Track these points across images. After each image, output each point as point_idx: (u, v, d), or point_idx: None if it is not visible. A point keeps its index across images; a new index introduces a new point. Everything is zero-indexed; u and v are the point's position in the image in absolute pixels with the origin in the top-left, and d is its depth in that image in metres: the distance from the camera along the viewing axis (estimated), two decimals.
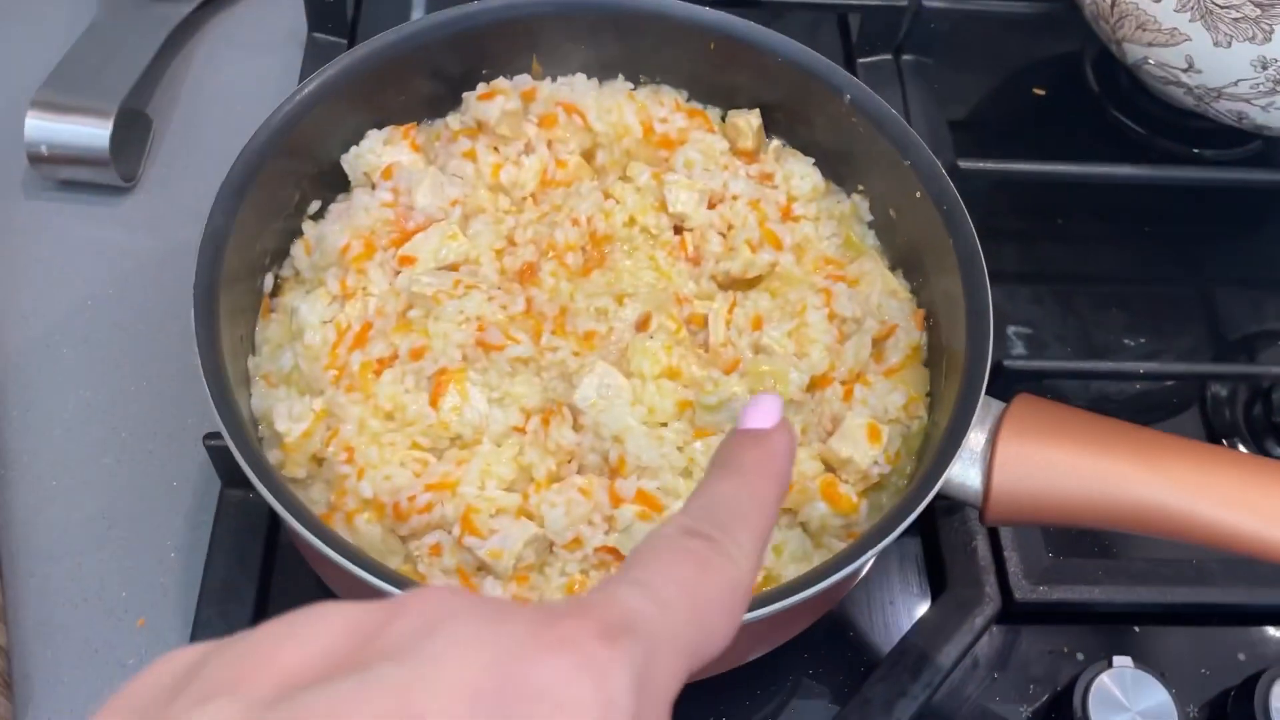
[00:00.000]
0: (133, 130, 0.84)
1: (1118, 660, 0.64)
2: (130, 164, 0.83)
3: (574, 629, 0.26)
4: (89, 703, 0.63)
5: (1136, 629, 0.70)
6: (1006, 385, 0.72)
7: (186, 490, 0.71)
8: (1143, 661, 0.64)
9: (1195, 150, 0.93)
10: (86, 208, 0.82)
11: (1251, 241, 0.94)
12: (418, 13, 0.93)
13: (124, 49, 0.84)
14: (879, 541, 0.51)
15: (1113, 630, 0.70)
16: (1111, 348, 0.85)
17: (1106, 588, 0.68)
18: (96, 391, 0.74)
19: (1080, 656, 0.69)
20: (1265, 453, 0.78)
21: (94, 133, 0.78)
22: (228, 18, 0.93)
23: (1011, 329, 0.86)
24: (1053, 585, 0.68)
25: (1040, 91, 0.97)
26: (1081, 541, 0.73)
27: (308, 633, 0.26)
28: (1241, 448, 0.78)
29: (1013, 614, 0.69)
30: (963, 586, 0.68)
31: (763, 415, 0.38)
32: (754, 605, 0.49)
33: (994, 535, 0.70)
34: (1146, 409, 0.84)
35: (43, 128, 0.78)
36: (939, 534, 0.70)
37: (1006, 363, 0.72)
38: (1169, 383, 0.83)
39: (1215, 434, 0.79)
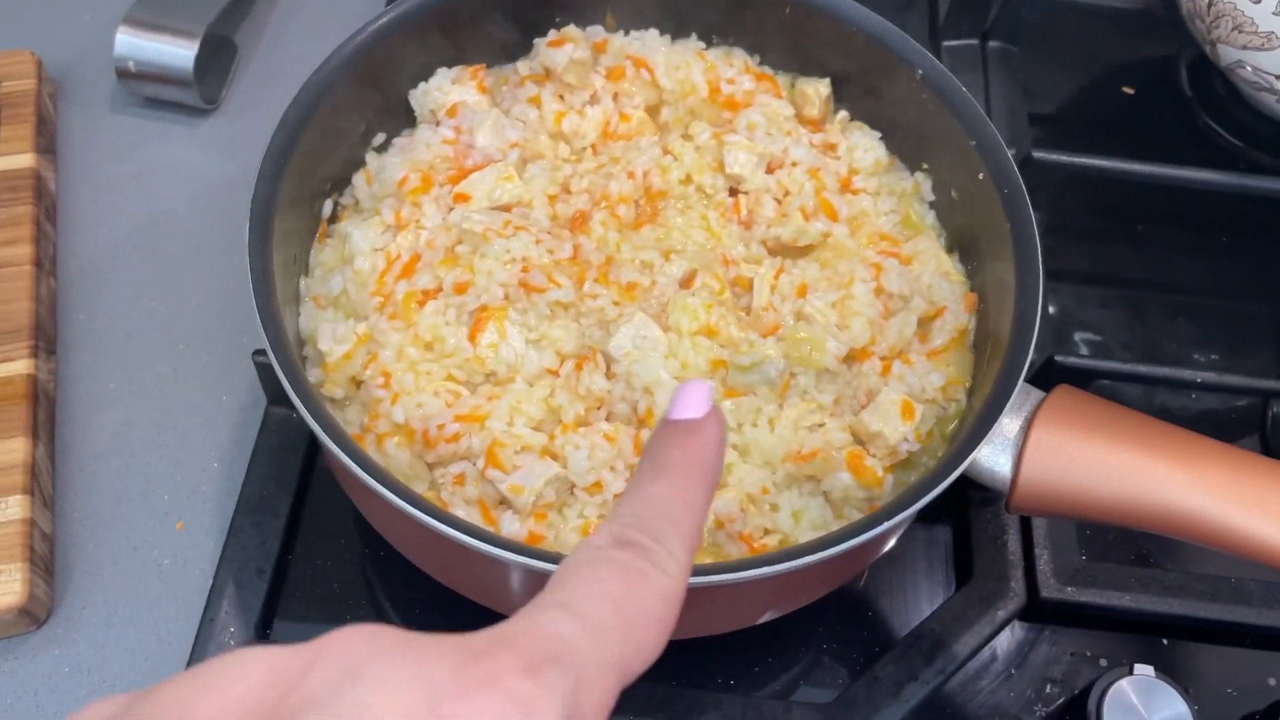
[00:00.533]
0: (218, 55, 0.86)
1: (1139, 668, 0.62)
2: (213, 87, 0.85)
3: (498, 666, 0.26)
4: (123, 597, 0.66)
5: (1165, 641, 0.68)
6: (1058, 383, 0.70)
7: (234, 405, 0.73)
8: (1168, 675, 0.63)
9: None
10: (168, 126, 0.85)
11: None
12: None
13: None
14: (896, 514, 0.50)
15: (1140, 640, 0.68)
16: (1180, 361, 0.83)
17: (1138, 595, 0.67)
18: (160, 303, 0.77)
19: (1103, 663, 0.67)
20: None
21: (180, 53, 0.81)
22: None
23: (1079, 334, 0.85)
24: (1081, 587, 0.67)
25: (1129, 91, 0.95)
26: (1117, 546, 0.72)
27: (226, 683, 0.26)
28: None
29: (1038, 612, 0.68)
30: (989, 579, 0.67)
31: (693, 404, 0.37)
32: (762, 563, 0.49)
33: (1026, 531, 0.69)
34: (1211, 426, 0.81)
35: (132, 44, 0.80)
36: (970, 524, 0.69)
37: (1058, 358, 0.70)
38: (1239, 401, 0.81)
39: (1274, 455, 0.77)
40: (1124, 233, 0.90)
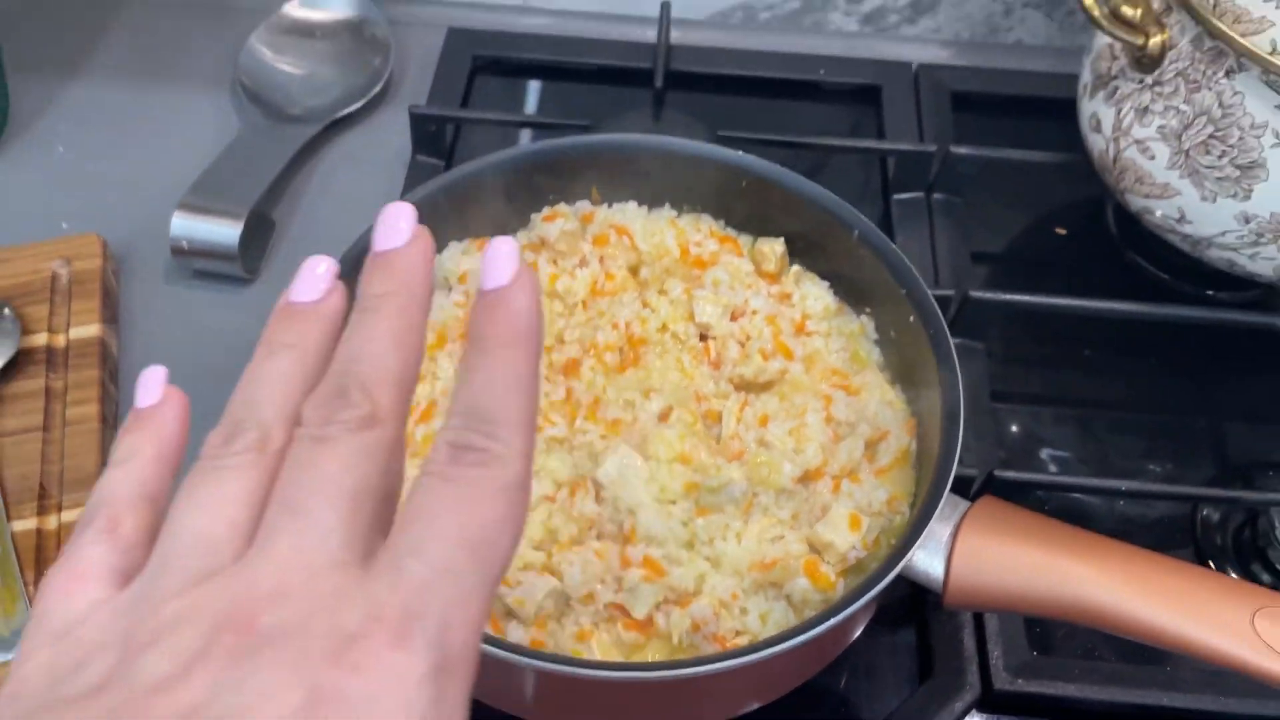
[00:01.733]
0: (258, 230, 0.99)
1: None
2: (254, 259, 0.98)
3: (372, 646, 0.28)
4: None
5: None
6: (1002, 495, 0.79)
7: None
8: None
9: (1209, 292, 1.00)
10: (214, 295, 0.97)
11: (1262, 377, 1.00)
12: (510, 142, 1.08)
13: (257, 162, 1.00)
14: (844, 609, 0.59)
15: None
16: (1132, 473, 0.91)
17: (1082, 685, 0.74)
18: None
19: None
20: (1251, 577, 0.83)
21: (227, 231, 0.93)
22: (347, 139, 1.09)
23: (1046, 451, 0.94)
24: (1030, 679, 0.74)
25: (1062, 231, 1.06)
26: (1065, 642, 0.79)
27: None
28: (1232, 573, 0.84)
29: (992, 703, 0.75)
30: (946, 674, 0.75)
31: (498, 269, 0.35)
32: (731, 657, 0.58)
33: (979, 629, 0.77)
34: (1166, 532, 0.90)
35: (185, 225, 0.93)
36: (929, 625, 0.78)
37: (997, 473, 0.80)
38: (1194, 507, 0.89)
39: (1204, 556, 0.85)
40: (1072, 358, 1.00)
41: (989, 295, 0.89)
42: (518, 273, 0.35)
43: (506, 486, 0.32)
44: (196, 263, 0.96)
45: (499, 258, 0.36)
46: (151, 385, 0.38)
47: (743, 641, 0.64)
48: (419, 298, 0.36)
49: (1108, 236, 1.04)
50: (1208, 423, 0.98)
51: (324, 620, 0.28)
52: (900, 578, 0.62)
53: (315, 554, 0.30)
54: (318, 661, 0.27)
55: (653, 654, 0.65)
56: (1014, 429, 0.96)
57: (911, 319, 0.73)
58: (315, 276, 0.38)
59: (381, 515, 0.32)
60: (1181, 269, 1.00)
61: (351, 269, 0.74)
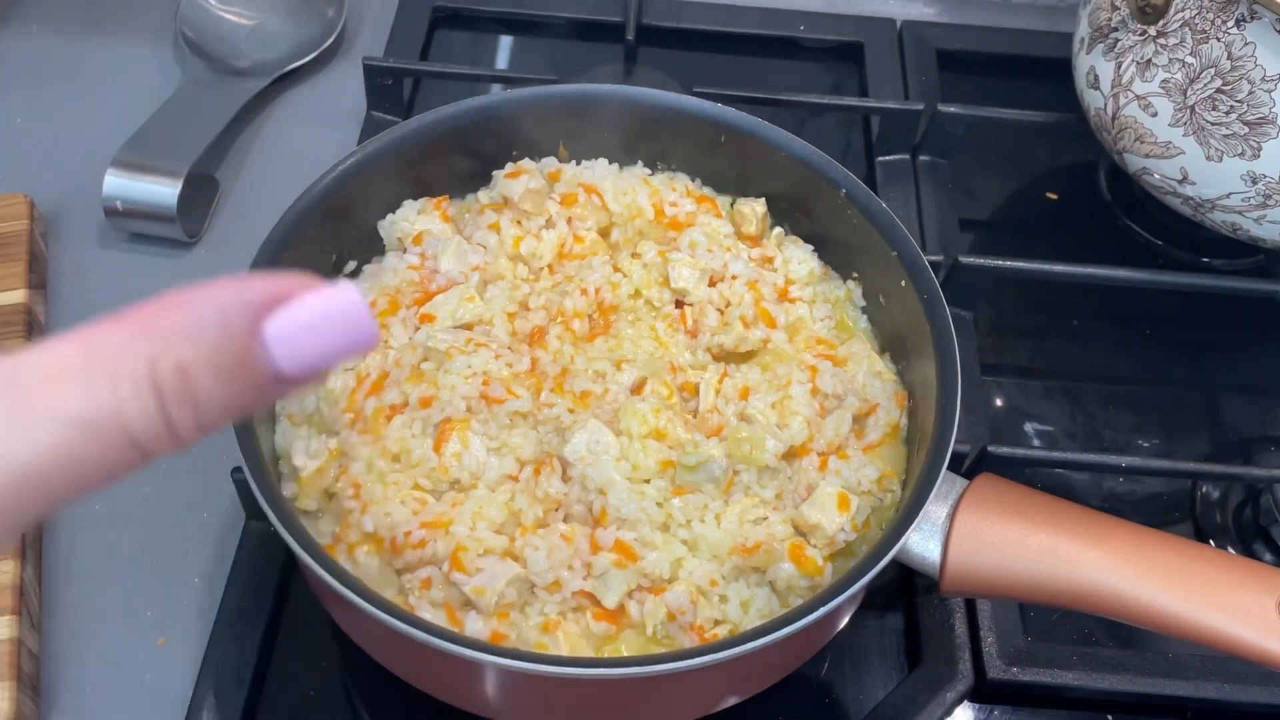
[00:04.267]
0: (200, 191, 0.92)
1: None
2: (195, 222, 0.91)
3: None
4: (105, 714, 0.68)
5: (1109, 717, 0.71)
6: (992, 471, 0.75)
7: (214, 521, 0.76)
8: None
9: (1205, 259, 0.96)
10: (153, 259, 0.90)
11: (1260, 349, 0.96)
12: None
13: (200, 118, 0.93)
14: (834, 597, 0.54)
15: (1086, 717, 0.71)
16: (1121, 448, 0.87)
17: (1080, 673, 0.70)
18: None
19: None
20: (1252, 555, 0.79)
21: (165, 191, 0.86)
22: (296, 94, 1.02)
23: (1029, 425, 0.89)
24: (1026, 667, 0.70)
25: (1053, 196, 1.02)
26: (1060, 626, 0.75)
27: None
28: (1231, 551, 0.80)
29: (986, 693, 0.71)
30: (938, 662, 0.71)
31: None
32: (710, 651, 0.53)
33: (971, 615, 0.72)
34: (1156, 510, 0.86)
35: (120, 184, 0.86)
36: (919, 611, 0.73)
37: (991, 449, 0.75)
38: (1183, 484, 0.85)
39: (1204, 534, 0.81)
40: (1061, 328, 0.96)
41: (979, 261, 0.84)
42: None
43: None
44: (133, 224, 0.89)
45: None
46: None
47: (722, 632, 0.59)
48: None
49: (1100, 201, 1.00)
50: (1203, 396, 0.94)
51: None
52: (893, 562, 0.57)
53: None
54: None
55: (625, 647, 0.59)
56: (998, 402, 0.91)
57: (903, 283, 0.68)
58: None
59: None
60: (1177, 235, 0.96)
61: (290, 230, 0.69)
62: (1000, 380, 0.92)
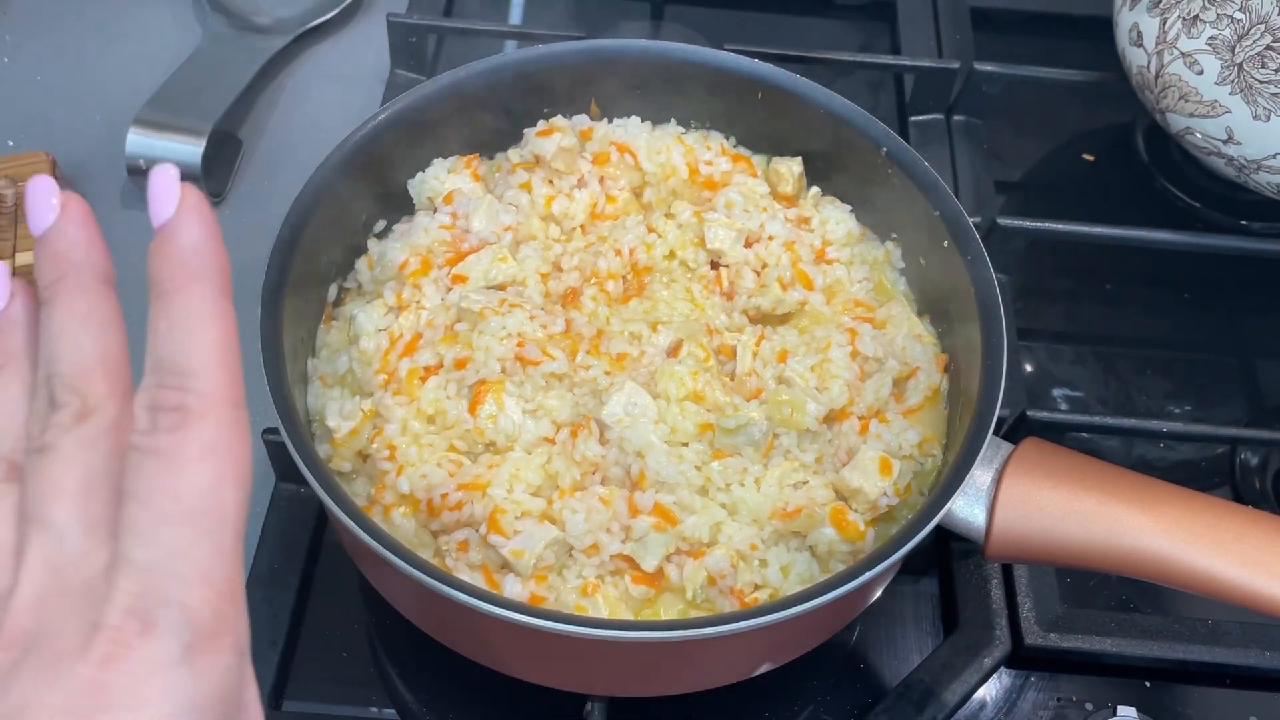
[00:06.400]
0: (224, 150, 0.91)
1: (1122, 710, 0.65)
2: (219, 181, 0.90)
3: (119, 640, 0.29)
4: None
5: (1147, 684, 0.70)
6: (1030, 436, 0.73)
7: None
8: (1151, 717, 0.65)
9: (1243, 222, 0.94)
10: None
11: None
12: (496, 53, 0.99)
13: (222, 75, 0.91)
14: (879, 563, 0.53)
15: (1124, 684, 0.71)
16: (1154, 413, 0.86)
17: (1118, 640, 0.69)
18: None
19: (1089, 707, 0.70)
20: None
21: (188, 150, 0.85)
22: (319, 52, 1.00)
23: (1057, 390, 0.88)
24: (1064, 633, 0.69)
25: (1090, 157, 1.00)
26: (1097, 592, 0.74)
27: None
28: None
29: (1023, 659, 0.70)
30: (974, 627, 0.70)
31: (161, 203, 0.34)
32: (751, 616, 0.52)
33: (1008, 580, 0.71)
34: (1187, 475, 0.84)
35: (142, 142, 0.85)
36: (955, 576, 0.72)
37: (1030, 413, 0.74)
38: (1213, 450, 0.84)
39: (1244, 501, 0.80)
40: (1094, 292, 0.94)
41: (1017, 223, 0.83)
42: (182, 203, 0.34)
43: (211, 445, 0.31)
44: None
45: (159, 189, 0.34)
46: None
47: (762, 597, 0.58)
48: (90, 268, 0.34)
49: (1137, 163, 0.97)
50: (1239, 361, 0.92)
51: (74, 620, 0.30)
52: (935, 527, 0.56)
53: (59, 555, 0.31)
54: (73, 660, 0.29)
55: (664, 610, 0.59)
56: (1028, 367, 0.90)
57: (946, 244, 0.66)
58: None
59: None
60: (1215, 198, 0.94)
61: (320, 189, 0.67)
62: (1031, 345, 0.91)
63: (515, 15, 1.07)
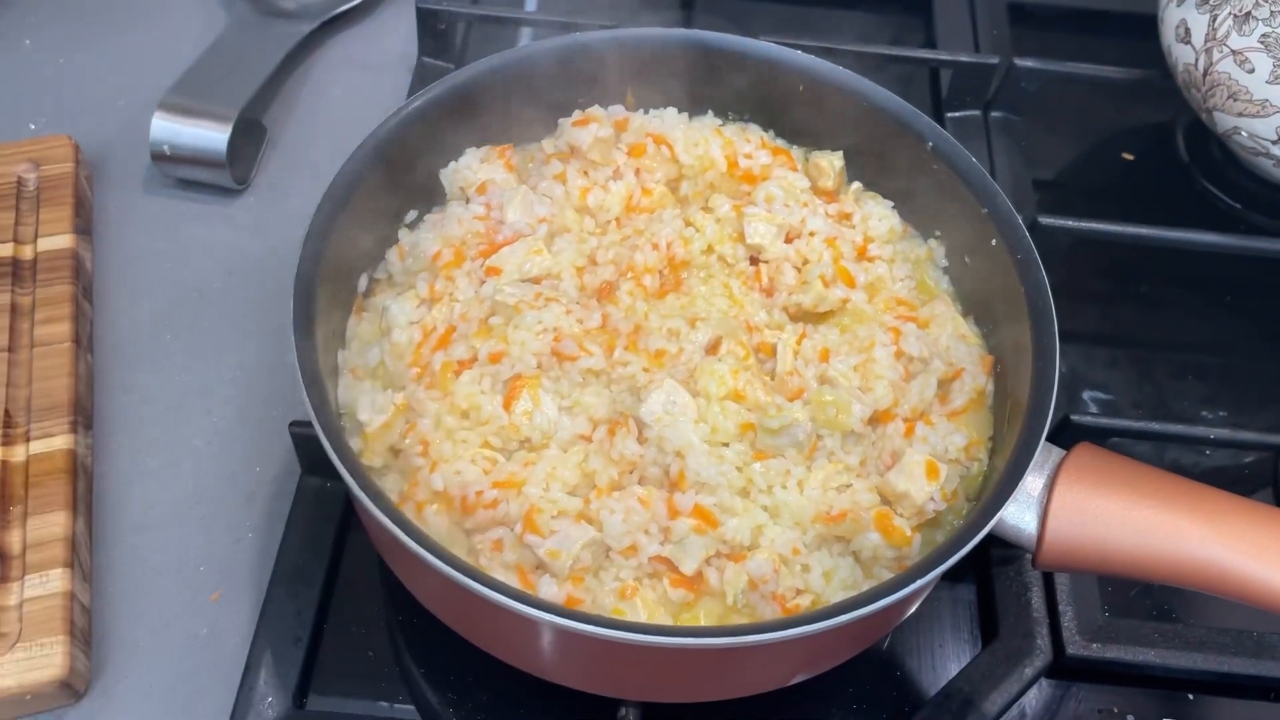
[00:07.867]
0: (249, 137, 0.89)
1: None
2: (244, 168, 0.88)
3: None
4: (161, 669, 0.67)
5: (1190, 696, 0.69)
6: (1073, 441, 0.72)
7: (268, 476, 0.74)
8: None
9: None
10: (200, 206, 0.87)
11: None
12: (524, 42, 0.98)
13: (247, 61, 0.90)
14: (927, 572, 0.52)
15: (1167, 696, 0.69)
16: (1189, 418, 0.84)
17: (1162, 651, 0.67)
18: (195, 377, 0.79)
19: (1130, 718, 0.68)
20: None
21: (213, 136, 0.84)
22: (345, 39, 0.99)
23: (1088, 393, 0.86)
24: (1106, 644, 0.68)
25: (1129, 156, 0.98)
26: (1139, 602, 0.73)
27: None
28: None
29: (1064, 669, 0.68)
30: (1014, 636, 0.68)
31: None
32: (797, 624, 0.50)
33: (1049, 588, 0.70)
34: (1222, 482, 0.82)
35: (167, 128, 0.83)
36: (993, 582, 0.70)
37: (1074, 417, 0.72)
38: (1249, 456, 0.82)
39: None
40: (1130, 294, 0.92)
41: (1060, 222, 0.81)
42: None
43: None
44: (180, 170, 0.86)
45: None
46: None
47: (805, 603, 0.57)
48: None
49: (1178, 163, 0.96)
50: (1277, 367, 0.90)
51: None
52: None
53: None
54: None
55: (704, 615, 0.57)
56: (1061, 369, 0.88)
57: (994, 243, 0.64)
58: None
59: None
60: (1257, 199, 0.92)
61: (352, 178, 0.66)
62: (1065, 348, 0.89)
63: (537, 3, 1.05)
